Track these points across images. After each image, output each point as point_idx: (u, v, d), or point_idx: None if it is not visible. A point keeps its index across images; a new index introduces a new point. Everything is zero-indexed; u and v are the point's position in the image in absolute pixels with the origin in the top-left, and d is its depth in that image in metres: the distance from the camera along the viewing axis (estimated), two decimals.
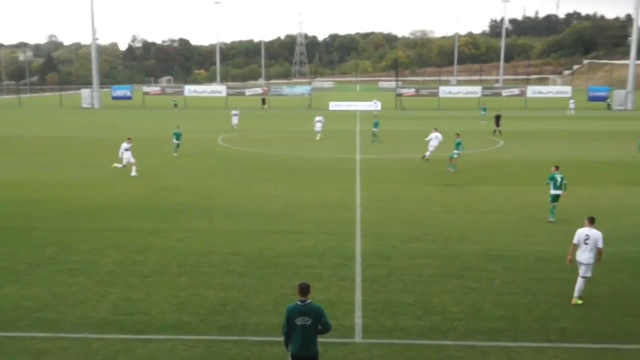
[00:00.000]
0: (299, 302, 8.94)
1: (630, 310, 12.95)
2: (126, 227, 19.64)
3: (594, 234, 13.15)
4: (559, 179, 20.47)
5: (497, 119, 48.28)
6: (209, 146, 40.36)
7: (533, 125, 56.12)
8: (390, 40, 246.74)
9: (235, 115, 52.10)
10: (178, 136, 35.78)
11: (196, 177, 29.32)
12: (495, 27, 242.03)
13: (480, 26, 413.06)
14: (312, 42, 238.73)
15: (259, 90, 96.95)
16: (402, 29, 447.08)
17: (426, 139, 34.78)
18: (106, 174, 29.27)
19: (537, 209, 22.24)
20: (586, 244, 13.14)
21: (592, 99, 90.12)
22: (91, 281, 14.70)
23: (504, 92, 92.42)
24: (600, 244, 13.02)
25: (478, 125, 55.74)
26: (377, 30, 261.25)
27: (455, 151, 30.88)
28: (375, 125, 43.71)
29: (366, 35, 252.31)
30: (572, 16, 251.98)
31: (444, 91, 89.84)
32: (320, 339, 9.37)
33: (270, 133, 50.35)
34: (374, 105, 73.37)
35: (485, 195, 24.99)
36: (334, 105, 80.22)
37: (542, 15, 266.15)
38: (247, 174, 30.15)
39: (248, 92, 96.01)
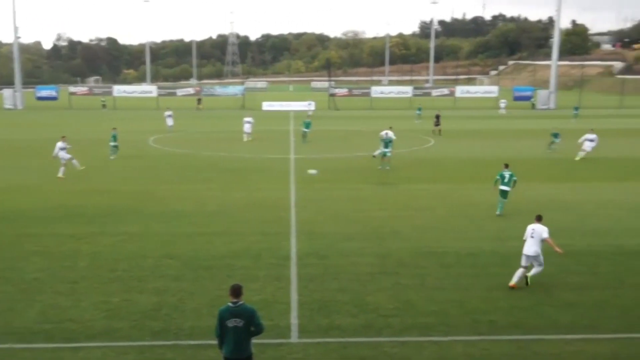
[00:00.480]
0: (230, 304, 8.85)
1: (555, 302, 13.45)
2: (53, 232, 18.97)
3: (539, 227, 14.17)
4: (507, 176, 21.33)
5: (437, 118, 49.47)
6: (140, 148, 39.49)
7: (463, 124, 57.54)
8: (322, 40, 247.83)
9: (169, 116, 50.93)
10: (115, 138, 34.86)
11: (127, 179, 28.62)
12: (425, 29, 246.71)
13: (410, 27, 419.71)
14: (244, 42, 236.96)
15: (191, 91, 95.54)
16: (334, 30, 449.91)
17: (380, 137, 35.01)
18: (32, 177, 28.22)
19: (467, 206, 22.84)
20: (532, 237, 14.14)
21: (517, 98, 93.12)
22: (16, 289, 14.13)
23: (434, 92, 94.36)
24: (545, 235, 14.05)
25: (411, 125, 56.71)
26: (309, 30, 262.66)
27: (386, 149, 31.31)
28: (307, 126, 43.59)
29: (299, 36, 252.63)
30: (498, 18, 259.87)
31: (376, 91, 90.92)
32: (256, 340, 9.31)
33: (204, 133, 49.72)
34: (309, 106, 73.51)
35: (417, 193, 25.45)
36: (267, 106, 79.92)
37: (469, 16, 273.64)
38: (180, 175, 29.67)
39: (180, 92, 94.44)
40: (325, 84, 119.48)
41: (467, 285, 14.49)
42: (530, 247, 14.08)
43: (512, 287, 14.14)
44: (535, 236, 14.10)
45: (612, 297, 13.75)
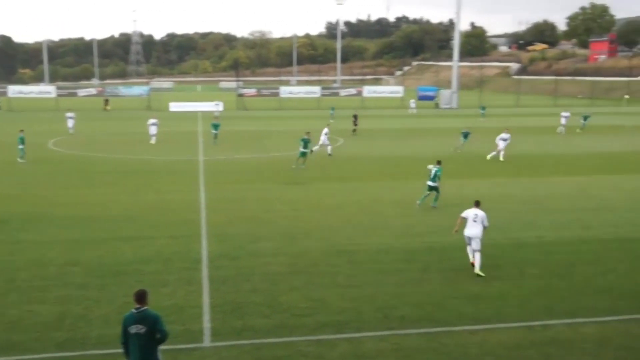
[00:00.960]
0: (134, 310, 8.61)
1: (461, 294, 13.94)
2: None
3: (481, 212, 15.37)
4: (433, 172, 22.37)
5: (355, 118, 50.25)
6: (39, 151, 37.65)
7: (370, 124, 58.62)
8: (229, 40, 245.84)
9: (70, 118, 48.74)
10: (22, 140, 33.12)
11: (25, 184, 27.26)
12: (331, 29, 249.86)
13: (317, 28, 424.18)
14: (148, 41, 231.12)
15: (93, 91, 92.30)
16: (241, 29, 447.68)
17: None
18: None
19: (376, 204, 23.30)
20: (475, 221, 15.27)
21: (421, 98, 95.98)
22: None
23: (342, 92, 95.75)
24: (486, 223, 15.31)
25: (322, 124, 57.15)
26: (215, 30, 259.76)
27: (303, 149, 31.54)
28: (215, 127, 42.73)
29: (205, 35, 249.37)
30: (402, 20, 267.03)
31: (285, 91, 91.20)
32: (168, 346, 9.12)
33: (109, 135, 48.13)
34: (216, 107, 72.63)
35: (328, 192, 25.71)
36: (174, 106, 78.29)
37: (374, 18, 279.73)
38: (83, 179, 28.56)
39: (81, 92, 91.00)
40: (234, 84, 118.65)
41: (378, 281, 14.78)
42: (475, 230, 15.22)
43: (473, 264, 15.28)
44: (477, 220, 15.23)
45: (513, 287, 14.41)
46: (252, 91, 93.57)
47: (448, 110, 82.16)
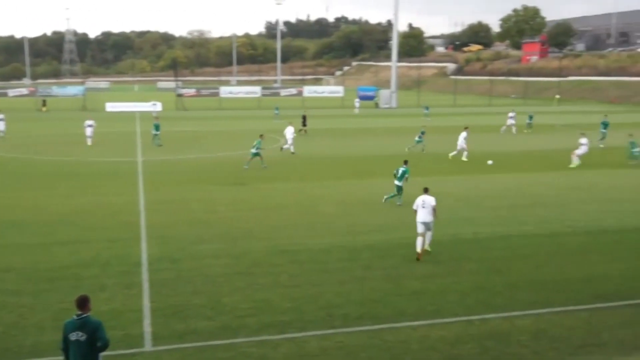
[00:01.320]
0: (75, 317, 8.38)
1: (402, 291, 14.16)
2: None
3: (428, 198, 16.51)
4: (400, 172, 22.80)
5: (304, 118, 50.17)
6: None
7: (312, 124, 58.74)
8: (167, 39, 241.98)
9: (0, 119, 46.80)
10: None
11: None
12: (271, 29, 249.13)
13: (256, 27, 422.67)
14: (83, 40, 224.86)
15: (25, 91, 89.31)
16: (179, 29, 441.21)
17: (285, 132, 37.98)
18: None
19: (318, 204, 23.40)
20: (424, 207, 16.46)
21: (361, 98, 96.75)
22: None
23: (283, 92, 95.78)
24: (433, 203, 16.46)
25: (270, 125, 56.97)
26: (153, 28, 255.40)
27: (253, 150, 31.53)
28: (157, 128, 41.51)
29: (142, 34, 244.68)
30: (341, 20, 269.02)
31: (225, 91, 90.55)
32: (108, 352, 8.91)
33: (44, 137, 46.60)
34: (154, 107, 71.33)
35: (269, 192, 25.65)
36: (111, 107, 76.47)
37: (313, 18, 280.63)
38: (17, 182, 27.60)
39: (11, 92, 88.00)
40: (172, 84, 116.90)
41: (321, 280, 14.85)
42: (426, 216, 16.43)
43: (419, 257, 16.25)
44: (426, 206, 16.45)
45: (452, 283, 14.73)
46: (191, 91, 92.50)
47: (388, 110, 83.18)
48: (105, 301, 13.16)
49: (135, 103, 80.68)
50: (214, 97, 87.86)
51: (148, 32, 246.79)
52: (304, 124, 49.76)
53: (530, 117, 53.66)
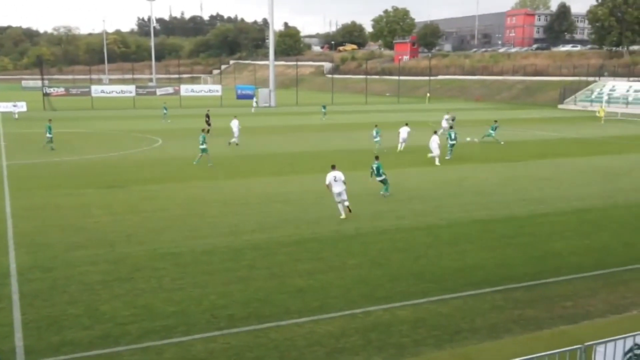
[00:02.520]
0: None
1: (287, 289, 14.23)
2: None
3: (338, 174, 20.67)
4: (374, 168, 24.32)
5: (208, 117, 49.43)
6: None
7: (189, 123, 57.71)
8: (31, 35, 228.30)
9: None
10: None
11: None
12: (144, 26, 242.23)
13: (128, 24, 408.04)
14: None
15: None
16: (44, 24, 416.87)
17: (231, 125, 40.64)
18: None
19: (199, 204, 23.01)
20: (336, 181, 20.57)
21: (240, 97, 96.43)
22: None
23: (159, 91, 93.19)
24: (343, 178, 20.66)
25: (140, 124, 55.19)
26: (14, 24, 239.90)
27: (202, 146, 31.76)
28: (49, 130, 37.49)
29: (2, 30, 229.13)
30: (216, 18, 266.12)
31: (97, 90, 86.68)
32: None
33: None
34: (15, 108, 66.59)
35: (148, 194, 24.89)
36: None
37: (187, 16, 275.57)
38: None
39: None
40: (39, 83, 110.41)
41: (205, 282, 14.62)
42: (339, 188, 20.62)
43: (349, 211, 20.70)
44: (338, 180, 20.52)
45: (335, 278, 15.01)
46: (60, 90, 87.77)
47: (267, 108, 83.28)
48: None
49: None
50: (85, 96, 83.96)
51: (9, 27, 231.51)
52: (208, 123, 48.50)
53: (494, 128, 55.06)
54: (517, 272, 15.52)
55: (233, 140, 40.46)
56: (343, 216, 20.65)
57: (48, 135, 37.79)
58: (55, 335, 11.69)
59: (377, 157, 24.94)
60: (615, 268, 15.94)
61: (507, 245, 17.93)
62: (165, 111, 63.13)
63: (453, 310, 13.15)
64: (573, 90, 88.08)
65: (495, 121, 44.44)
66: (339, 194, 20.67)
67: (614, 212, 22.31)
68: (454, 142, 35.32)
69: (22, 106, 72.45)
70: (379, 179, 24.40)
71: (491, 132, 42.49)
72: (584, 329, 12.09)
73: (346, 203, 20.74)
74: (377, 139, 38.13)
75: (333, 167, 21.02)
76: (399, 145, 37.93)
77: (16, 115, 61.78)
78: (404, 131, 37.92)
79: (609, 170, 31.58)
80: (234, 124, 40.45)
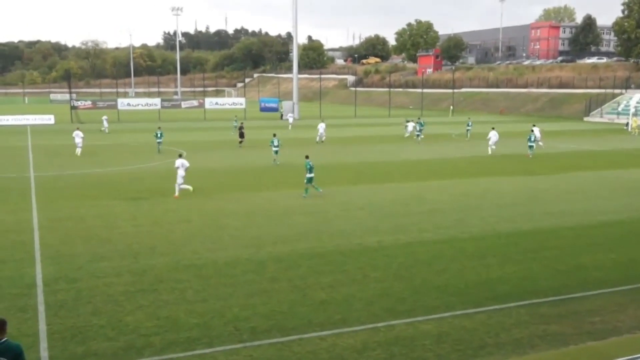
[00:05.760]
0: None
1: (309, 302, 14.21)
2: None
3: (185, 162, 26.50)
4: (309, 166, 26.52)
5: (242, 129, 48.84)
6: None
7: (213, 136, 58.16)
8: (59, 49, 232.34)
9: None
10: None
11: None
12: (169, 40, 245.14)
13: (154, 38, 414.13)
14: None
15: None
16: (72, 39, 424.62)
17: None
18: None
19: (222, 216, 23.13)
20: (183, 166, 26.50)
21: (264, 109, 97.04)
22: None
23: (184, 104, 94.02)
24: (187, 165, 26.47)
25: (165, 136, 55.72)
26: (43, 38, 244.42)
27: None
28: (159, 135, 44.03)
29: (32, 44, 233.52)
30: (241, 32, 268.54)
31: (123, 103, 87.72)
32: None
33: None
34: (105, 122, 65.15)
35: (171, 206, 25.07)
36: None
37: (212, 30, 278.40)
38: None
39: None
40: (67, 96, 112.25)
41: (227, 294, 14.66)
42: (183, 173, 26.31)
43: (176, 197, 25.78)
44: (185, 165, 26.44)
45: (358, 291, 14.94)
46: (87, 103, 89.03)
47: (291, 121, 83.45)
48: None
49: (26, 115, 76.85)
50: (111, 109, 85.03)
51: (38, 41, 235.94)
52: (242, 135, 48.25)
53: (469, 124, 56.84)
54: (542, 286, 15.32)
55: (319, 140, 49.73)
56: (177, 193, 26.32)
57: (158, 140, 44.07)
58: (79, 346, 11.79)
59: (307, 156, 27.53)
60: None
61: (531, 259, 17.71)
62: (235, 123, 59.42)
63: (477, 324, 13.00)
64: (599, 103, 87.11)
65: (533, 128, 45.01)
66: (183, 177, 26.56)
67: None
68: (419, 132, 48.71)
69: (50, 119, 73.64)
70: (308, 175, 26.55)
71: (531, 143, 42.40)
72: (612, 346, 11.86)
73: (184, 186, 26.33)
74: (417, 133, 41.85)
75: (180, 155, 27.24)
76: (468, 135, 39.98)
77: (106, 130, 61.92)
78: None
79: (635, 184, 31.09)
80: (321, 127, 50.89)
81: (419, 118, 59.10)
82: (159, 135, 44.23)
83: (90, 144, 47.55)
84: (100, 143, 50.29)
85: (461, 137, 56.72)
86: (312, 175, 26.67)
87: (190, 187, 27.14)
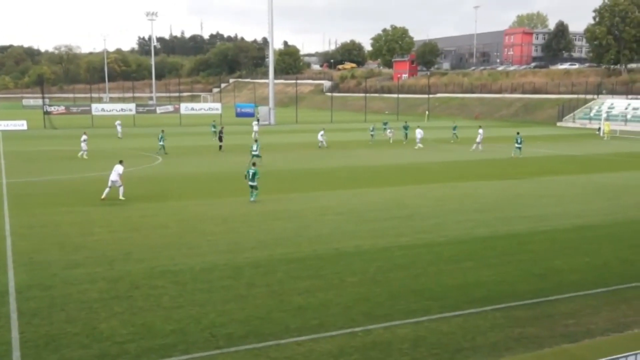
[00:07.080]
0: None
1: (286, 307, 14.15)
2: None
3: (120, 167, 26.49)
4: (250, 173, 26.45)
5: (221, 133, 49.24)
6: None
7: (188, 141, 57.81)
8: (32, 54, 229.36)
9: None
10: None
11: None
12: (144, 45, 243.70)
13: (129, 43, 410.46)
14: None
15: None
16: (45, 44, 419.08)
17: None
18: None
19: (199, 222, 22.96)
20: (115, 171, 26.47)
21: (239, 115, 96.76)
22: None
23: (159, 109, 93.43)
24: (120, 171, 26.48)
25: (138, 143, 55.27)
26: (16, 43, 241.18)
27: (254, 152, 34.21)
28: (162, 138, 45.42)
29: (4, 49, 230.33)
30: (216, 37, 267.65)
31: (97, 108, 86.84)
32: None
33: None
34: (119, 126, 64.04)
35: (148, 212, 24.85)
36: None
37: (188, 35, 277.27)
38: None
39: None
40: (39, 101, 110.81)
41: (203, 300, 14.54)
42: (114, 176, 26.24)
43: (103, 199, 26.03)
44: (116, 170, 26.33)
45: (335, 296, 14.92)
46: (60, 108, 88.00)
47: (266, 126, 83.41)
48: None
49: None
50: (85, 114, 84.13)
51: (10, 46, 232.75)
52: (220, 139, 48.78)
53: (455, 128, 59.36)
54: (518, 290, 15.45)
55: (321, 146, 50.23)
56: (104, 196, 26.36)
57: (160, 143, 45.27)
58: (53, 354, 11.60)
59: (254, 164, 27.80)
60: (617, 286, 15.88)
61: (507, 263, 17.87)
62: (213, 129, 59.68)
63: (454, 328, 13.06)
64: (571, 108, 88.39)
65: (518, 133, 46.43)
66: (112, 181, 26.32)
67: (614, 229, 22.27)
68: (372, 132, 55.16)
69: (22, 124, 72.63)
70: (251, 183, 26.51)
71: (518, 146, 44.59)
72: (586, 348, 12.01)
73: (121, 191, 26.41)
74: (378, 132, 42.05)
75: (120, 162, 26.90)
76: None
77: (120, 135, 61.49)
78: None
79: (608, 188, 31.58)
80: (320, 134, 51.49)
81: (405, 122, 63.23)
82: (160, 137, 45.94)
83: (64, 150, 46.97)
84: (74, 149, 49.65)
85: (447, 140, 57.14)
86: (254, 183, 26.58)
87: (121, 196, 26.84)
